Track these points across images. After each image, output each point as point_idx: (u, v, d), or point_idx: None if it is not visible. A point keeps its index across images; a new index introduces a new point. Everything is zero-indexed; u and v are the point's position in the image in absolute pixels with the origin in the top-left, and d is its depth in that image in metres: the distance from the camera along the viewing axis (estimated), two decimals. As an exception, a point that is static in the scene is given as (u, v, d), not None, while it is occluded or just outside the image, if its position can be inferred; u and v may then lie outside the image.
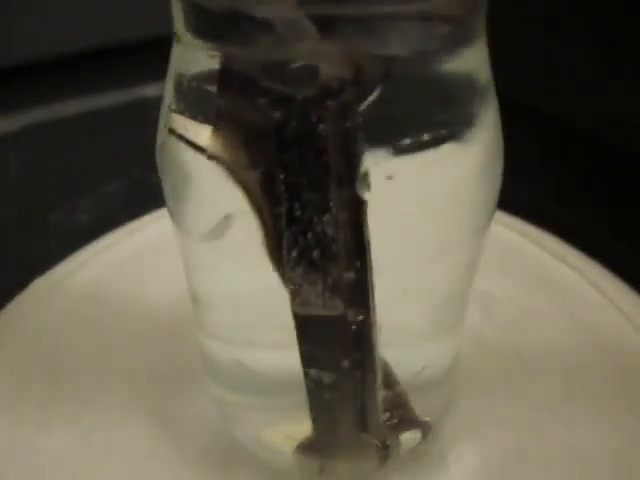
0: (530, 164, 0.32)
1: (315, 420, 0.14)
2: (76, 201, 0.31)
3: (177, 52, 0.12)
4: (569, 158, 0.33)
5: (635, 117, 0.31)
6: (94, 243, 0.26)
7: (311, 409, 0.13)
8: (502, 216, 0.26)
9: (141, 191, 0.31)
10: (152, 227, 0.26)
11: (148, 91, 0.38)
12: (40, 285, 0.24)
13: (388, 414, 0.14)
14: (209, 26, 0.10)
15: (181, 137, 0.12)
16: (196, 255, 0.14)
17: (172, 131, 0.12)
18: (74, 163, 0.34)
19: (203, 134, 0.11)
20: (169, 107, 0.12)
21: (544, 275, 0.24)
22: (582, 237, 0.27)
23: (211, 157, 0.11)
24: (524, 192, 0.29)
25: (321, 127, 0.10)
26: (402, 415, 0.15)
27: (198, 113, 0.11)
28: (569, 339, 0.21)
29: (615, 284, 0.23)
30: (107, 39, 0.39)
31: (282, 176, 0.11)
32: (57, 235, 0.29)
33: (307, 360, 0.13)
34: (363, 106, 0.10)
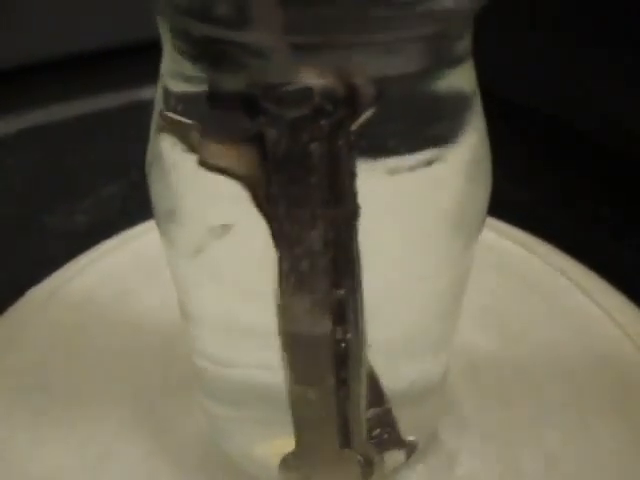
0: (529, 166, 0.32)
1: (298, 434, 0.14)
2: (74, 203, 0.31)
3: (165, 66, 0.12)
4: (569, 159, 0.33)
5: (635, 118, 0.31)
6: (90, 251, 0.26)
7: (294, 423, 0.13)
8: (498, 224, 0.26)
9: (139, 193, 0.31)
10: (148, 235, 0.26)
11: (146, 93, 0.38)
12: (35, 294, 0.24)
13: (375, 431, 0.14)
14: (197, 50, 0.10)
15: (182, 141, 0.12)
16: (185, 272, 0.14)
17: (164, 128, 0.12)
18: (72, 165, 0.34)
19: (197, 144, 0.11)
20: (161, 113, 0.12)
21: (540, 285, 0.24)
22: (581, 239, 0.27)
23: (204, 165, 0.11)
24: (523, 193, 0.29)
25: (313, 146, 0.10)
26: (388, 433, 0.15)
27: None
28: (565, 351, 0.22)
29: (612, 295, 0.23)
30: (105, 41, 0.39)
31: (272, 191, 0.11)
32: (55, 238, 0.29)
33: (292, 376, 0.13)
34: (355, 126, 0.10)
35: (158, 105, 0.12)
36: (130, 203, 0.31)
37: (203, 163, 0.11)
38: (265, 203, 0.11)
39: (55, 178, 0.33)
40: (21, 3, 0.36)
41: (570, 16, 0.33)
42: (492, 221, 0.25)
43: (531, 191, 0.31)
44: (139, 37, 0.38)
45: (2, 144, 0.35)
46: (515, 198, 0.29)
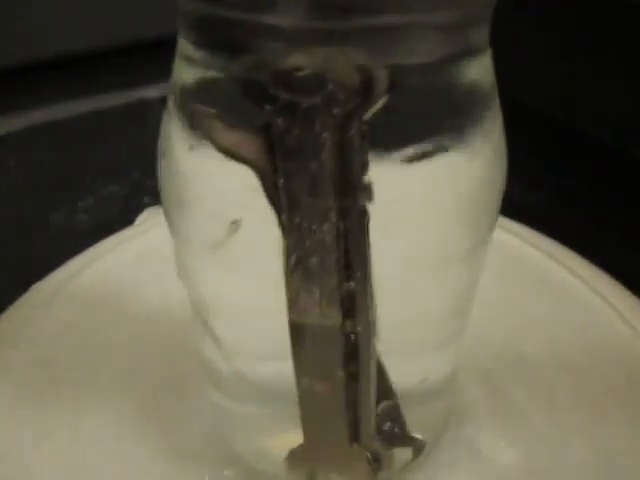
0: (532, 166, 0.32)
1: (306, 428, 0.14)
2: (76, 202, 0.31)
3: (179, 55, 0.12)
4: (570, 160, 0.33)
5: (636, 118, 0.31)
6: (94, 247, 0.26)
7: (302, 417, 0.13)
8: (507, 222, 0.26)
9: (140, 192, 0.31)
10: (152, 232, 0.26)
11: (148, 92, 0.38)
12: (40, 290, 0.23)
13: (384, 426, 0.14)
14: (210, 36, 0.10)
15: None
16: (197, 264, 0.14)
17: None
18: (74, 164, 0.34)
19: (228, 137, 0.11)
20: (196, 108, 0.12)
21: (545, 281, 0.24)
22: (584, 239, 0.27)
23: (222, 152, 0.11)
24: (526, 194, 0.29)
25: (325, 135, 0.10)
26: (396, 429, 0.14)
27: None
28: (573, 349, 0.21)
29: (617, 290, 0.23)
30: (107, 41, 0.39)
31: (282, 182, 0.11)
32: (57, 236, 0.29)
33: (300, 368, 0.13)
34: (368, 115, 0.10)
35: (173, 94, 0.12)
36: (131, 202, 0.31)
37: (220, 149, 0.11)
38: (275, 193, 0.11)
39: (57, 177, 0.33)
40: (22, 2, 0.36)
41: (571, 18, 0.33)
42: (500, 219, 0.25)
43: (534, 192, 0.31)
44: (141, 36, 0.38)
45: (4, 143, 0.35)
46: (518, 199, 0.29)
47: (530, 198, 0.30)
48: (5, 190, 0.32)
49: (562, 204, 0.30)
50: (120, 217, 0.30)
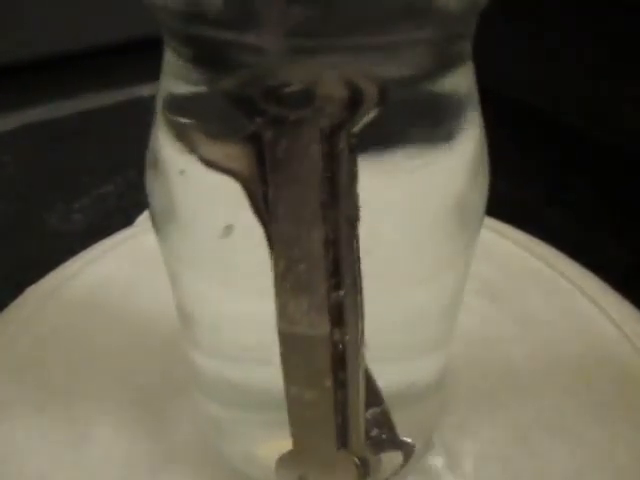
0: (529, 165, 0.32)
1: (295, 434, 0.14)
2: (72, 200, 0.31)
3: (166, 67, 0.12)
4: (568, 159, 0.33)
5: (635, 118, 0.31)
6: (89, 250, 0.26)
7: (290, 423, 0.13)
8: (498, 224, 0.26)
9: (137, 191, 0.31)
10: (145, 235, 0.26)
11: (144, 91, 0.38)
12: (35, 293, 0.23)
13: (374, 431, 0.14)
14: (196, 52, 0.10)
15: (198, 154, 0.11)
16: (184, 273, 0.14)
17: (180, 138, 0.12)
18: (70, 162, 0.34)
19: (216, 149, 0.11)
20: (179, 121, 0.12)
21: (539, 286, 0.24)
22: (580, 239, 0.27)
23: (207, 164, 0.11)
24: (523, 193, 0.29)
25: (313, 146, 0.10)
26: (385, 435, 0.15)
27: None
28: (563, 351, 0.22)
29: (610, 295, 0.23)
30: (104, 38, 0.39)
31: (271, 193, 0.11)
32: (53, 234, 0.29)
33: (288, 376, 0.13)
34: (358, 128, 0.10)
35: (159, 106, 0.12)
36: (127, 201, 0.31)
37: (205, 161, 0.11)
38: (261, 203, 0.11)
39: (53, 175, 0.33)
40: (19, 2, 0.36)
41: (570, 16, 0.33)
42: (492, 221, 0.25)
43: (530, 191, 0.31)
44: (138, 35, 0.38)
45: (1, 141, 0.35)
46: (515, 198, 0.29)
47: (524, 197, 0.30)
48: (1, 188, 0.32)
49: (556, 204, 0.31)
50: (116, 217, 0.30)
